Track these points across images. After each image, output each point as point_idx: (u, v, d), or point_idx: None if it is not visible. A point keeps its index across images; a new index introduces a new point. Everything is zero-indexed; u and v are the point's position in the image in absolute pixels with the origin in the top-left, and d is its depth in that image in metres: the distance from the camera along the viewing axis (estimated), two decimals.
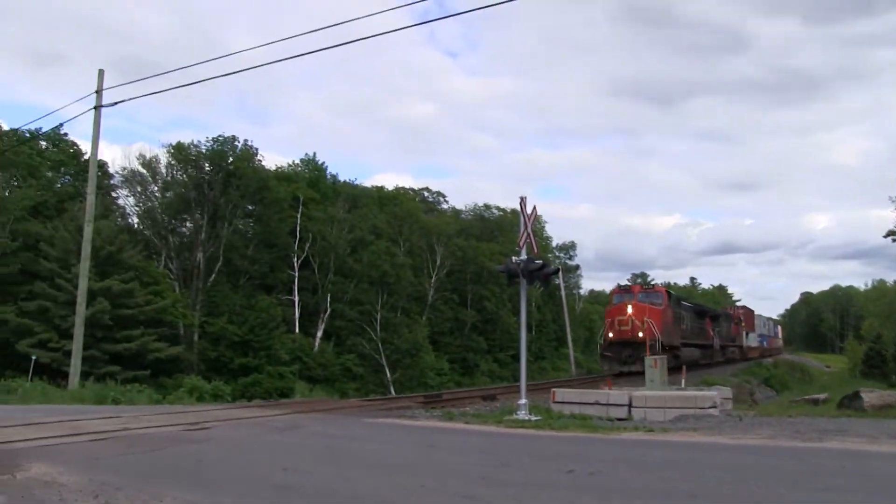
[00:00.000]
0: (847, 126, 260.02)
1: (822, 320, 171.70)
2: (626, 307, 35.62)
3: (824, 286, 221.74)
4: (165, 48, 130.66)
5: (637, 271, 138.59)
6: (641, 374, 29.24)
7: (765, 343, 79.71)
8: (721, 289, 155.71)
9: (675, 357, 36.72)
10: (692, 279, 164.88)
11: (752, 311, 75.87)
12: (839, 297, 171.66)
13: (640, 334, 33.95)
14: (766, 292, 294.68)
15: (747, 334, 67.20)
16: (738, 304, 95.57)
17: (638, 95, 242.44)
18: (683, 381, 24.24)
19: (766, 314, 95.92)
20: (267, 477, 8.08)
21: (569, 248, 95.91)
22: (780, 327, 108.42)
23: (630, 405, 16.42)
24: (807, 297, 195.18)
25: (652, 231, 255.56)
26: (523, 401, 15.39)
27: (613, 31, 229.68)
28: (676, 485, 7.86)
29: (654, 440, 11.67)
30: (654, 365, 21.52)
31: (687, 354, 40.30)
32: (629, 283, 49.05)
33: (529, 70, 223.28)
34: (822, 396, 27.89)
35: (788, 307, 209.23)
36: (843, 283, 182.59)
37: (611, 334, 35.82)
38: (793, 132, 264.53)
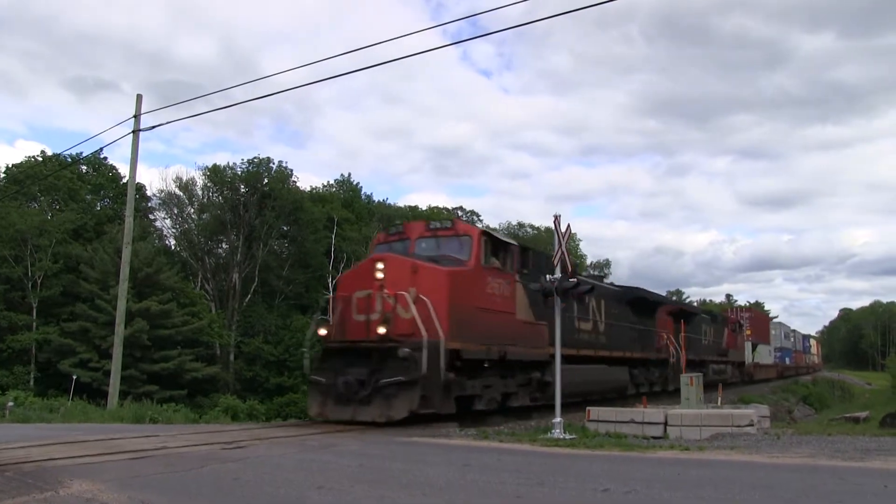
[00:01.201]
0: (887, 139, 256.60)
1: (862, 337, 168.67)
2: (375, 267, 15.91)
3: (864, 302, 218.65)
4: (203, 72, 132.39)
5: (672, 288, 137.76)
6: (381, 426, 14.86)
7: (787, 360, 64.41)
8: (758, 305, 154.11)
9: (543, 385, 19.31)
10: (728, 296, 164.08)
11: (766, 317, 63.15)
12: (880, 314, 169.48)
13: (383, 330, 15.14)
14: (805, 309, 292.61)
15: (755, 347, 51.28)
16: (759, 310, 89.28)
17: (674, 112, 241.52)
18: (720, 399, 24.02)
19: (803, 330, 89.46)
20: (302, 495, 8.14)
21: (603, 265, 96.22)
22: (814, 342, 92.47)
23: (666, 423, 16.30)
24: (846, 314, 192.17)
25: (688, 248, 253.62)
26: (558, 419, 15.31)
27: (649, 48, 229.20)
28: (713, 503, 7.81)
29: (690, 459, 11.55)
30: (691, 383, 21.36)
31: (576, 378, 20.31)
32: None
33: (565, 88, 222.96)
34: (863, 415, 27.56)
35: (827, 324, 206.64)
36: (884, 300, 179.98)
37: (323, 331, 17.00)
38: (832, 147, 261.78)
